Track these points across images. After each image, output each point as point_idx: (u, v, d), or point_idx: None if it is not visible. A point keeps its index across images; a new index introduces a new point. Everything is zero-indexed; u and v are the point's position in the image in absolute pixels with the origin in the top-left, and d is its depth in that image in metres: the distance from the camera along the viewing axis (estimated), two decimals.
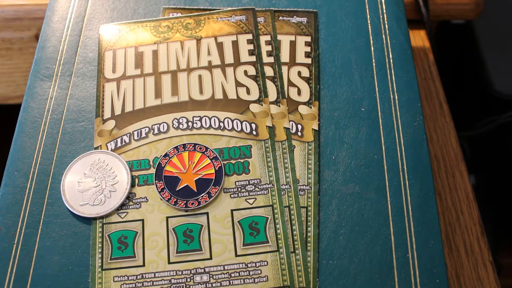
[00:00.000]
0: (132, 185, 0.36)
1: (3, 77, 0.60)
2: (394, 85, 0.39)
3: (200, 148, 0.37)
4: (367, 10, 0.43)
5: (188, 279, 0.33)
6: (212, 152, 0.36)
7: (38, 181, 0.36)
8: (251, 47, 0.41)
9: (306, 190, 0.35)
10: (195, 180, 0.35)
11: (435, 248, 0.33)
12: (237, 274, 0.33)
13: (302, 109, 0.38)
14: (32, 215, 0.35)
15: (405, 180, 0.35)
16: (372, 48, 0.41)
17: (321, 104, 0.39)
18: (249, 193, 0.35)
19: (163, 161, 0.36)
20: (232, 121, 0.38)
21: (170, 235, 0.34)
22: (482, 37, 0.69)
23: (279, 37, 0.42)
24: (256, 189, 0.35)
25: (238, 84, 0.39)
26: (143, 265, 0.33)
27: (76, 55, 0.42)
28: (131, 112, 0.39)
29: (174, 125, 0.38)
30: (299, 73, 0.40)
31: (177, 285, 0.32)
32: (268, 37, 0.41)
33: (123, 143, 0.37)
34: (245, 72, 0.40)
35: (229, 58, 0.40)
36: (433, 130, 0.48)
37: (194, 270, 0.33)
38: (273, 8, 0.43)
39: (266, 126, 0.37)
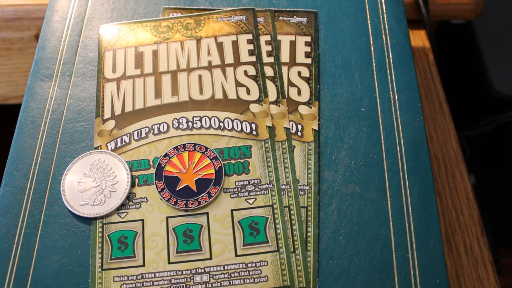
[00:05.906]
0: (132, 185, 0.36)
1: (3, 77, 0.60)
2: (394, 85, 0.39)
3: (200, 148, 0.37)
4: (367, 10, 0.43)
5: (188, 279, 0.33)
6: (212, 152, 0.36)
7: (38, 181, 0.36)
8: (251, 47, 0.41)
9: (306, 190, 0.35)
10: (195, 180, 0.35)
11: (435, 248, 0.33)
12: (237, 274, 0.33)
13: (302, 109, 0.38)
14: (32, 215, 0.35)
15: (405, 180, 0.35)
16: (372, 48, 0.41)
17: (321, 104, 0.39)
18: (249, 193, 0.35)
19: (163, 161, 0.36)
20: (232, 121, 0.38)
21: (170, 235, 0.34)
22: (482, 37, 0.69)
23: (279, 37, 0.41)
24: (256, 189, 0.35)
25: (238, 84, 0.39)
26: (143, 265, 0.33)
27: (76, 55, 0.42)
28: (131, 112, 0.38)
29: (174, 125, 0.38)
30: (299, 73, 0.40)
31: (177, 285, 0.32)
32: (268, 37, 0.41)
33: (123, 143, 0.37)
34: (245, 72, 0.40)
35: (229, 58, 0.40)
36: (433, 130, 0.48)
37: (194, 270, 0.33)
38: (273, 8, 0.43)
39: (266, 126, 0.37)
